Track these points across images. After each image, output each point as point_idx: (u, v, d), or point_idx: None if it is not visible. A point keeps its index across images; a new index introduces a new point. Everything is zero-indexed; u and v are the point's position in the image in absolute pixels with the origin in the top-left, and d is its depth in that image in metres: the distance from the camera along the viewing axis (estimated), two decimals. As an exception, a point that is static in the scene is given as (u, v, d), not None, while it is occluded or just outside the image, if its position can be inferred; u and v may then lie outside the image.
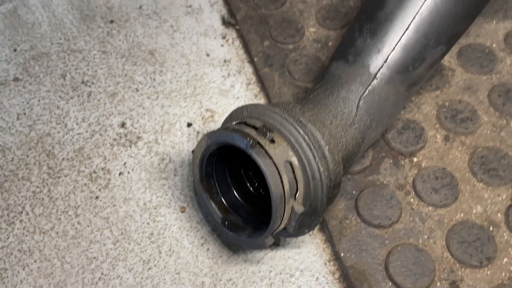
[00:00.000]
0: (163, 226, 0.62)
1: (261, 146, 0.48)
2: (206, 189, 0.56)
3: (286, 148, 0.49)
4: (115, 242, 0.60)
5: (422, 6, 0.55)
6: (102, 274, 0.58)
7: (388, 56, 0.55)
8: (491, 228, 0.59)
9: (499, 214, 0.60)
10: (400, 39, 0.55)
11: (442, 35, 0.57)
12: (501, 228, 0.59)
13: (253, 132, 0.49)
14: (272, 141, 0.49)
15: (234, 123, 0.52)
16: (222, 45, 0.77)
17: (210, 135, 0.50)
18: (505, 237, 0.58)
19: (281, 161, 0.48)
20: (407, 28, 0.55)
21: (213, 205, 0.56)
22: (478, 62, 0.71)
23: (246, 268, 0.58)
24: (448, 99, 0.68)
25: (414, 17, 0.55)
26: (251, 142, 0.47)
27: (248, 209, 0.57)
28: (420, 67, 0.57)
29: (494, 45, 0.73)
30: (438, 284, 0.56)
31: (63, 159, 0.67)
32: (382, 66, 0.55)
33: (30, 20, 0.81)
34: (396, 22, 0.55)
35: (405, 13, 0.55)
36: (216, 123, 0.69)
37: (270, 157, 0.47)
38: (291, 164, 0.49)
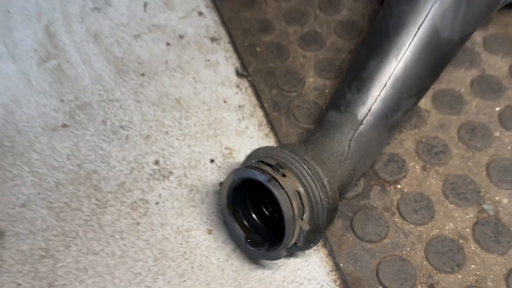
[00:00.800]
0: (194, 246, 0.68)
1: (276, 180, 0.55)
2: (232, 214, 0.63)
3: (295, 181, 0.57)
4: (155, 260, 0.66)
5: (395, 69, 0.64)
6: (146, 286, 0.64)
7: (371, 107, 0.63)
8: (460, 241, 0.65)
9: (467, 229, 0.66)
10: (379, 94, 0.63)
11: (413, 89, 0.65)
12: (469, 241, 0.65)
13: (269, 169, 0.56)
14: (284, 175, 0.56)
15: (253, 161, 0.59)
16: (236, 93, 0.84)
17: (236, 171, 0.58)
18: (472, 248, 0.65)
19: (291, 191, 0.55)
20: (385, 85, 0.64)
21: (238, 226, 0.63)
22: (449, 105, 0.78)
23: (264, 279, 0.65)
24: (424, 136, 0.75)
25: (390, 77, 0.64)
26: (268, 177, 0.54)
27: (265, 230, 0.64)
28: (397, 115, 0.65)
29: (462, 90, 0.80)
30: (419, 286, 0.62)
31: (108, 192, 0.73)
32: (366, 115, 0.63)
33: (73, 75, 0.86)
34: (376, 80, 0.64)
35: (383, 74, 0.64)
36: (235, 159, 0.76)
37: (283, 188, 0.55)
38: (299, 193, 0.56)
